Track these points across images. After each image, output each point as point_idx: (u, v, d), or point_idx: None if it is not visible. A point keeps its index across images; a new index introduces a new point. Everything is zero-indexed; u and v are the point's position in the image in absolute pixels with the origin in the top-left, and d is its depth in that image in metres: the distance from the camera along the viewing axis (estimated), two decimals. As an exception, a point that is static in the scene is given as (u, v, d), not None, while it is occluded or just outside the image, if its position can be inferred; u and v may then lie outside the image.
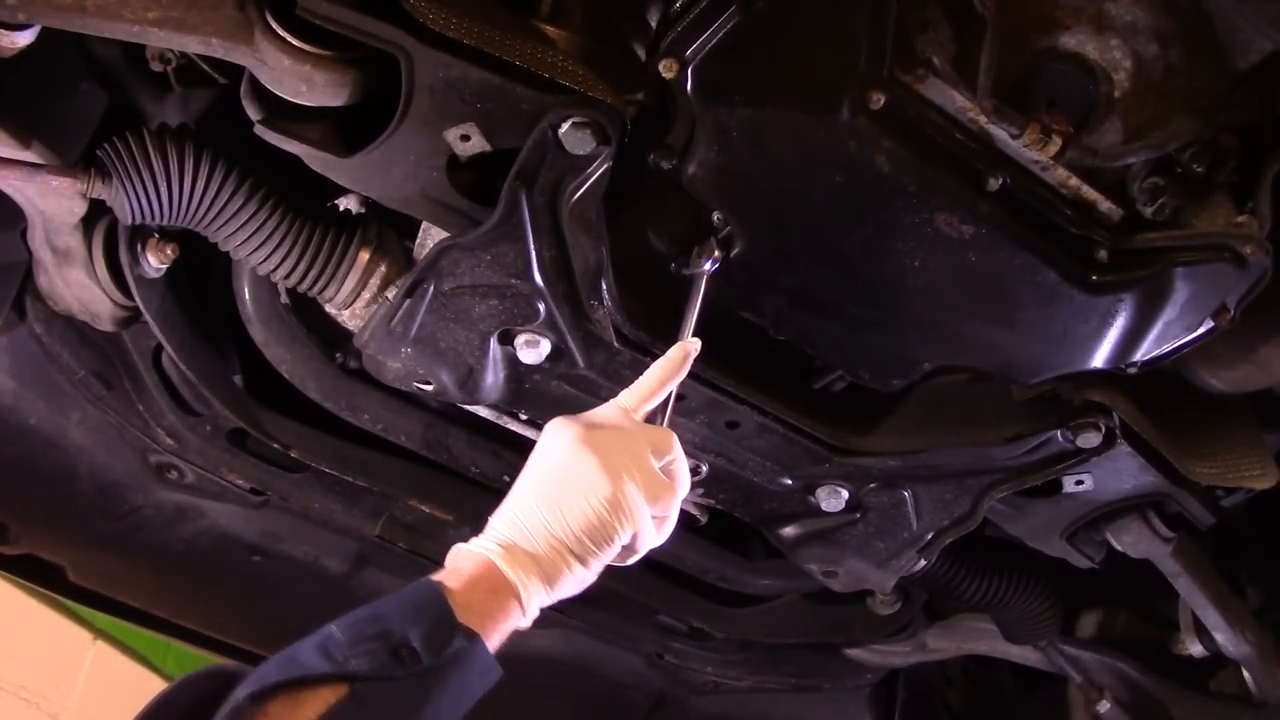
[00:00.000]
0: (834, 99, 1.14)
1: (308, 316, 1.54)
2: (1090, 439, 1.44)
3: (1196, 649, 1.87)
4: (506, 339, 1.35)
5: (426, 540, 1.83)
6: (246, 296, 1.49)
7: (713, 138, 1.16)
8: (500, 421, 1.62)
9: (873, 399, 1.48)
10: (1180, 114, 1.19)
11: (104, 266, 1.45)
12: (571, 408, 1.20)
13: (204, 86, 1.41)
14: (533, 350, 1.35)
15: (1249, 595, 1.87)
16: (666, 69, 1.12)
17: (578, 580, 1.07)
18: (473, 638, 0.98)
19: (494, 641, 1.01)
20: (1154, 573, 1.70)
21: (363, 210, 1.41)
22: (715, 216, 1.24)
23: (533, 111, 1.15)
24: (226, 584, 1.98)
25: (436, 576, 1.03)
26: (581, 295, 1.29)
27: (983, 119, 1.19)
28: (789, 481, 1.56)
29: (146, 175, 1.25)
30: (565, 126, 1.15)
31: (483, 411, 1.61)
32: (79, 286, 1.49)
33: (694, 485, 1.57)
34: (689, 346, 1.18)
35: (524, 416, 1.58)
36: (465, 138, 1.18)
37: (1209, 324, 1.31)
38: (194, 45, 1.13)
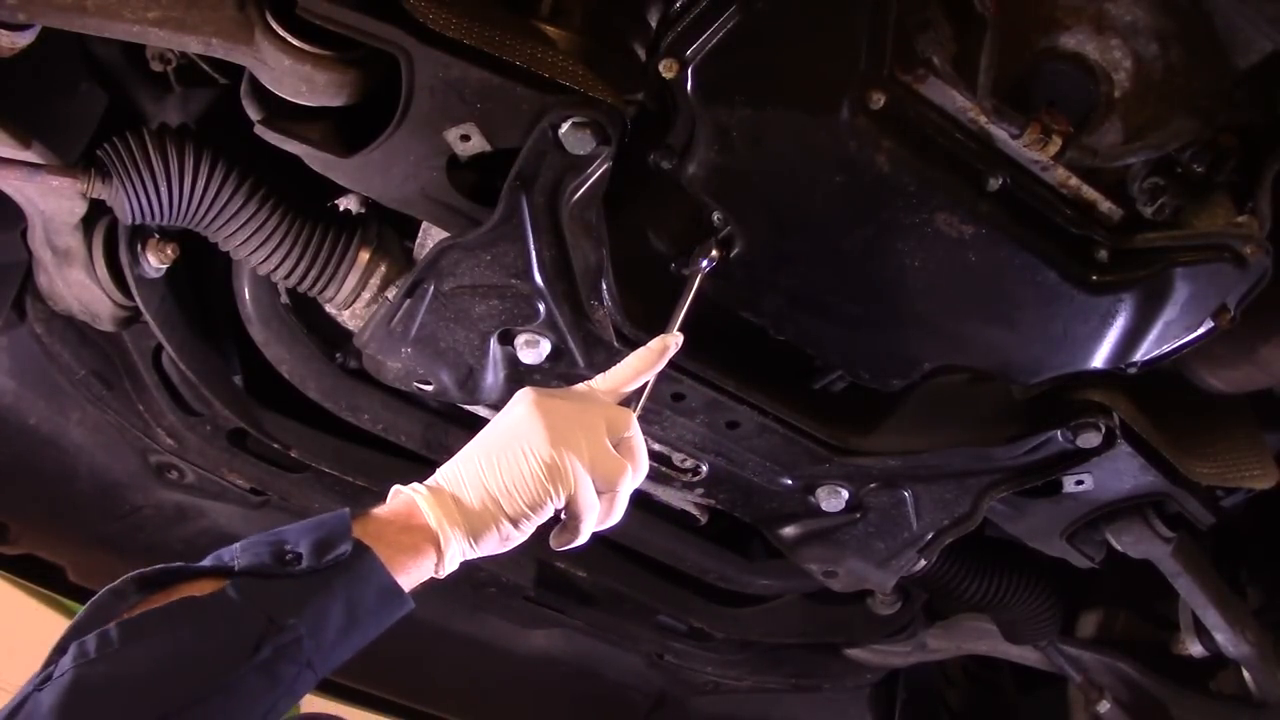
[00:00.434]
0: (834, 99, 1.14)
1: (308, 316, 1.54)
2: (1090, 439, 1.44)
3: (1196, 649, 1.87)
4: (506, 339, 1.35)
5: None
6: (246, 296, 1.49)
7: (713, 138, 1.16)
8: (500, 421, 1.62)
9: (873, 399, 1.48)
10: (1180, 114, 1.19)
11: (104, 266, 1.45)
12: (571, 407, 1.19)
13: (204, 86, 1.41)
14: (533, 350, 1.35)
15: (1249, 595, 1.87)
16: (666, 69, 1.12)
17: (504, 538, 1.07)
18: (364, 550, 0.97)
19: (404, 579, 1.00)
20: (1154, 573, 1.70)
21: (363, 210, 1.41)
22: (715, 216, 1.24)
23: (533, 111, 1.15)
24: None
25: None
26: (581, 295, 1.29)
27: (983, 119, 1.19)
28: (789, 481, 1.55)
29: (146, 175, 1.25)
30: (565, 126, 1.15)
31: (483, 411, 1.60)
32: (79, 286, 1.49)
33: (694, 485, 1.58)
34: (669, 340, 1.19)
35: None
36: (465, 138, 1.18)
37: (1209, 324, 1.31)
38: (194, 45, 1.13)
